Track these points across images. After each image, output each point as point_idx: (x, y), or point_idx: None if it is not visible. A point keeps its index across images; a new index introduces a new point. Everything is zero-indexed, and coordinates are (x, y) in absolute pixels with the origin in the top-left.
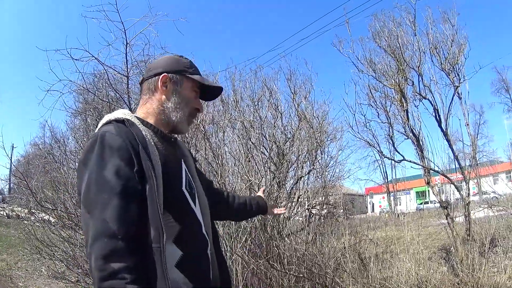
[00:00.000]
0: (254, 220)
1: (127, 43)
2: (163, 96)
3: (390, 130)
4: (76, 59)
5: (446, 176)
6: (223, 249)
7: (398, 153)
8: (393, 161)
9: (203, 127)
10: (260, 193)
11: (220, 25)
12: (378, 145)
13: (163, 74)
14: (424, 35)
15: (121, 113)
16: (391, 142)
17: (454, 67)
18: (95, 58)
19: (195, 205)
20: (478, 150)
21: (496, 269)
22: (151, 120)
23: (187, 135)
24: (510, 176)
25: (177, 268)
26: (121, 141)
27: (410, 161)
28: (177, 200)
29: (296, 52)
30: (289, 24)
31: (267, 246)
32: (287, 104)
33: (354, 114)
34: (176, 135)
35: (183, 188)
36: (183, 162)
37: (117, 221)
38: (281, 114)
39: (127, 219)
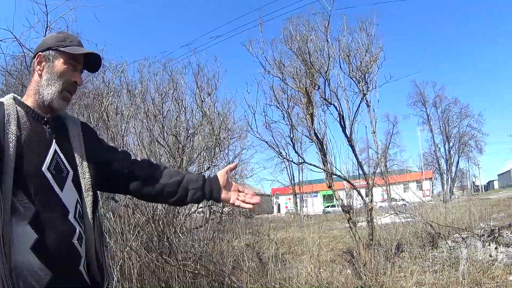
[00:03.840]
0: (147, 213)
1: (47, 27)
2: (37, 75)
3: (292, 132)
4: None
5: (348, 181)
6: (113, 242)
7: (299, 155)
8: (293, 163)
9: (106, 116)
10: (220, 172)
11: (142, 16)
12: (277, 146)
13: (37, 54)
14: (338, 42)
15: (8, 96)
16: (291, 144)
17: (365, 75)
18: (17, 40)
19: (61, 189)
20: (389, 159)
21: (403, 274)
22: (28, 101)
23: (91, 124)
24: (421, 185)
25: (33, 252)
26: None
27: (310, 164)
28: (33, 181)
29: (211, 50)
30: (209, 22)
31: (160, 241)
32: (192, 99)
33: (254, 114)
34: (49, 115)
35: (43, 169)
36: (54, 143)
37: None
38: (184, 108)
39: None
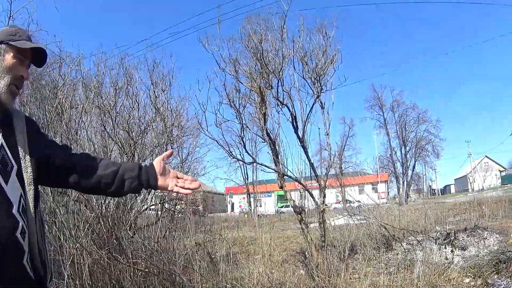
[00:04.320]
0: (97, 209)
1: (10, 16)
2: None
3: (243, 131)
4: None
5: (300, 183)
6: (64, 238)
7: (250, 155)
8: (244, 163)
9: (61, 110)
10: (156, 160)
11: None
12: (228, 145)
13: None
14: (293, 43)
15: None
16: (242, 144)
17: (320, 77)
18: None
19: (6, 183)
20: (344, 161)
21: (357, 275)
22: None
23: (46, 117)
24: (376, 188)
25: None
26: None
27: (261, 164)
28: None
29: (169, 46)
30: (169, 18)
31: (110, 238)
32: (146, 95)
33: (205, 112)
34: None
35: None
36: (0, 137)
37: None
38: (138, 104)
39: None
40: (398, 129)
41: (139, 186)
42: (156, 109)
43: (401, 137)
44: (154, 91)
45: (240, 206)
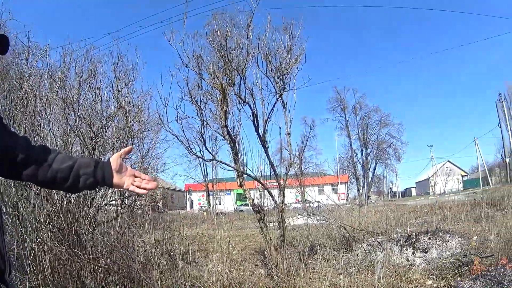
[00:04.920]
0: (57, 203)
1: None
2: None
3: (203, 128)
4: None
5: (259, 181)
6: (25, 232)
7: (209, 152)
8: (203, 160)
9: (26, 101)
10: (113, 156)
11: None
12: (188, 141)
13: None
14: (258, 40)
15: None
16: (202, 140)
17: (284, 76)
18: None
19: None
20: (304, 161)
21: (317, 275)
22: None
23: (12, 108)
24: (336, 188)
25: None
26: None
27: (220, 162)
28: None
29: (135, 40)
30: (136, 12)
31: (70, 233)
32: (109, 88)
33: (166, 107)
34: None
35: None
36: None
37: None
38: (100, 98)
39: None
40: (359, 131)
41: (94, 183)
42: (118, 103)
43: (363, 139)
44: (117, 85)
45: (200, 204)
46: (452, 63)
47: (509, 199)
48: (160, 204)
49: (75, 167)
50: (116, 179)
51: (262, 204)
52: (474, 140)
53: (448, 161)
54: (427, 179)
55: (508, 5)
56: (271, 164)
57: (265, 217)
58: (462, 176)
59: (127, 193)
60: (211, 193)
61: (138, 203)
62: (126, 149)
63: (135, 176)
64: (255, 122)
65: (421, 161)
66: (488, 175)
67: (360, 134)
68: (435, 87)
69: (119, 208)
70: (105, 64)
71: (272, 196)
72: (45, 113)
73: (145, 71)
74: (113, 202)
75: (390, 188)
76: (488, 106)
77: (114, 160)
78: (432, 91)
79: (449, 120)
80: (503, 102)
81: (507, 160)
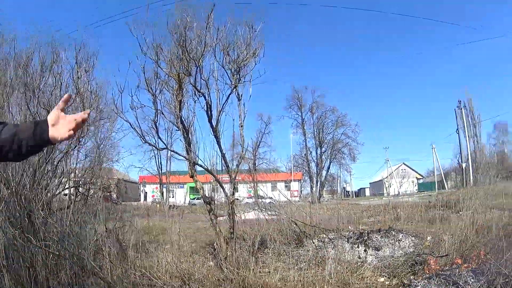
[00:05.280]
0: (11, 186)
1: None
2: None
3: (157, 117)
4: None
5: (210, 172)
6: None
7: (161, 141)
8: (156, 148)
9: None
10: (52, 111)
11: None
12: (141, 129)
13: None
14: (217, 31)
15: None
16: (155, 129)
17: (241, 68)
18: None
19: None
20: (258, 157)
21: (267, 269)
22: None
23: None
24: (289, 186)
25: None
26: None
27: (172, 151)
28: None
29: (100, 29)
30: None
31: (23, 217)
32: (70, 75)
33: (121, 94)
34: None
35: None
36: None
37: None
38: (60, 83)
39: None
40: (315, 130)
41: (35, 145)
42: (77, 89)
43: (318, 138)
44: (77, 71)
45: (153, 196)
46: (415, 68)
47: (465, 202)
48: (114, 195)
49: (17, 132)
50: (51, 132)
51: (213, 196)
52: (431, 145)
53: (404, 163)
54: (381, 180)
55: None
56: (223, 156)
57: (216, 209)
58: (418, 179)
59: (81, 181)
60: (165, 185)
61: (92, 191)
62: (64, 98)
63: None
64: (209, 112)
65: (376, 163)
66: (444, 179)
67: (315, 133)
68: (395, 91)
69: (73, 196)
70: (67, 51)
71: (222, 188)
72: (7, 97)
73: (106, 60)
74: (67, 190)
75: (344, 188)
76: (447, 113)
77: (51, 113)
78: (392, 94)
79: (407, 124)
80: (462, 109)
81: (464, 165)
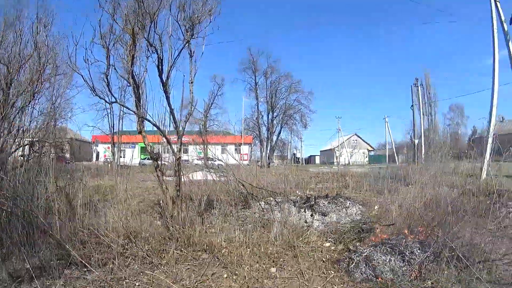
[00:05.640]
0: None
1: None
2: None
3: (109, 70)
4: None
5: (158, 128)
6: None
7: (111, 94)
8: (105, 101)
9: None
10: None
11: None
12: (92, 82)
13: None
14: None
15: None
16: (106, 82)
17: (195, 25)
18: None
19: None
20: (210, 118)
21: (213, 230)
22: None
23: None
24: (240, 149)
25: None
26: None
27: (122, 105)
28: None
29: None
30: None
31: None
32: (30, 30)
33: (76, 46)
34: None
35: None
36: None
37: None
38: (20, 39)
39: None
40: (268, 94)
41: None
42: (35, 44)
43: (270, 103)
44: (37, 27)
45: (105, 156)
46: (377, 42)
47: (415, 175)
48: (67, 154)
49: None
50: None
51: (160, 152)
52: (384, 118)
53: (356, 134)
54: (332, 149)
55: None
56: (171, 111)
57: (164, 168)
58: (369, 151)
59: (34, 138)
60: (116, 145)
61: (45, 149)
62: None
63: None
64: (160, 67)
65: (328, 131)
66: (395, 153)
67: (268, 97)
68: (355, 63)
69: (26, 155)
70: (30, 7)
71: (170, 144)
72: None
73: (66, 17)
74: (21, 148)
75: (294, 154)
76: (404, 89)
77: None
78: (351, 66)
79: (361, 96)
80: (419, 87)
81: (416, 141)
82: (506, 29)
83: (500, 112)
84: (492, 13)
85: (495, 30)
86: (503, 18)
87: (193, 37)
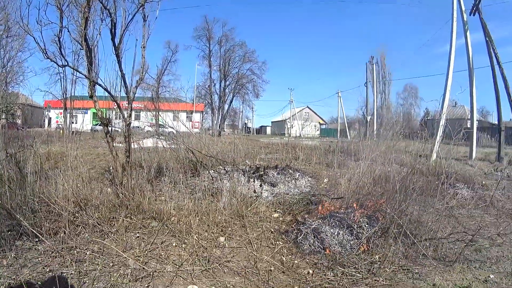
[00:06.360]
0: None
1: None
2: None
3: (61, 33)
4: None
5: (108, 92)
6: None
7: (63, 57)
8: (56, 64)
9: None
10: None
11: None
12: (44, 44)
13: None
14: None
15: None
16: (57, 43)
17: None
18: None
19: None
20: (162, 85)
21: (163, 198)
22: None
23: None
24: (191, 116)
25: None
26: None
27: (73, 68)
28: None
29: None
30: None
31: None
32: None
33: (29, 6)
34: None
35: None
36: None
37: None
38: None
39: None
40: (221, 63)
41: None
42: None
43: (223, 71)
44: None
45: (57, 122)
46: (340, 15)
47: (365, 152)
48: (18, 120)
49: None
50: None
51: (111, 118)
52: (337, 92)
53: (308, 107)
54: (283, 121)
55: None
56: (122, 76)
57: (113, 132)
58: (321, 124)
59: None
60: (68, 110)
61: None
62: None
63: None
64: (113, 31)
65: (280, 102)
66: (347, 128)
67: (221, 65)
68: (311, 36)
69: None
70: None
71: (120, 109)
72: None
73: None
74: None
75: (245, 124)
76: (359, 66)
77: None
78: (306, 40)
79: (315, 69)
80: (374, 65)
81: (368, 118)
82: (465, 19)
83: (452, 97)
84: (453, 3)
85: (455, 19)
86: (463, 8)
87: (147, 1)
